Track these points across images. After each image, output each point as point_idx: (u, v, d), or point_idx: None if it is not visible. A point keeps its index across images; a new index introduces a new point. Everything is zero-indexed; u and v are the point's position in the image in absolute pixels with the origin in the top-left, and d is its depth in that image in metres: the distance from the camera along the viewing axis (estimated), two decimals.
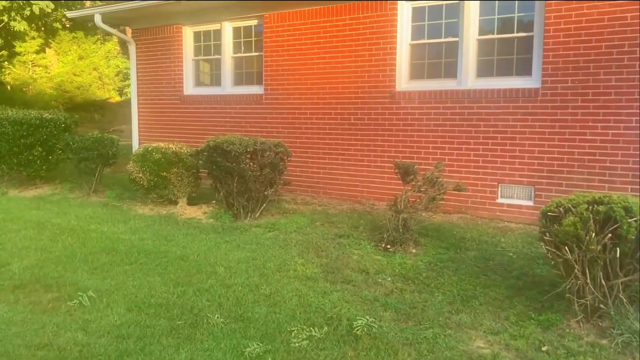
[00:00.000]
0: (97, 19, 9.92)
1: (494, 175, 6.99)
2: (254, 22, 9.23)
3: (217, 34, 9.73)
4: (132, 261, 5.15)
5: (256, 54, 9.27)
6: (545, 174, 6.65)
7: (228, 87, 9.60)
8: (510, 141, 6.85)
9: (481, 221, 6.87)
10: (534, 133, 6.70)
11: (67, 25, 23.22)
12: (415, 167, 5.51)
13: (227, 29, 9.52)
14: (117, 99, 25.33)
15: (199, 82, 10.15)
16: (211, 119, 9.71)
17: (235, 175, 6.32)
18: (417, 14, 7.61)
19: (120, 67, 23.94)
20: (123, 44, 27.49)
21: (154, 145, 7.38)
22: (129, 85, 24.31)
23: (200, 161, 6.66)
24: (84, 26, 23.45)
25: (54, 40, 23.50)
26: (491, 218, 7.01)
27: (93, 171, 7.93)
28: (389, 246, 5.52)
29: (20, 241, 5.74)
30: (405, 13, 7.64)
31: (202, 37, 10.00)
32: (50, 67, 23.25)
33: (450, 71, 7.40)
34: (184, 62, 10.11)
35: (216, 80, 9.87)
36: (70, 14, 10.44)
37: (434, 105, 7.37)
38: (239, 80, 9.58)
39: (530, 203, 6.78)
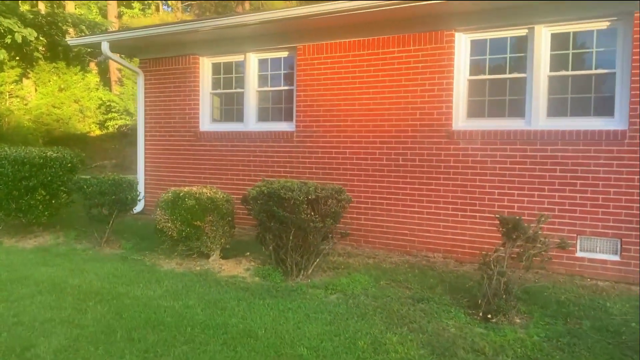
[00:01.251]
0: (105, 47, 8.98)
1: (572, 226, 6.24)
2: (283, 54, 8.43)
3: (240, 65, 8.89)
4: (188, 339, 4.15)
5: (285, 87, 8.44)
6: (634, 225, 5.93)
7: (252, 123, 8.72)
8: (592, 188, 6.13)
9: (562, 278, 6.08)
10: (620, 180, 6.00)
11: (48, 55, 22.11)
12: (522, 220, 4.69)
13: (252, 60, 8.70)
14: (98, 132, 24.10)
15: (216, 118, 9.24)
16: (232, 157, 8.78)
17: (292, 226, 5.38)
18: (477, 47, 6.94)
19: (103, 99, 22.81)
20: (103, 75, 26.41)
21: (185, 189, 6.40)
22: (111, 119, 23.26)
23: (251, 210, 5.70)
24: (66, 56, 22.39)
25: (32, 70, 22.31)
26: (570, 274, 6.23)
27: (106, 218, 6.87)
28: (489, 315, 4.64)
29: (39, 311, 4.66)
30: (463, 45, 6.97)
31: (221, 69, 9.14)
32: (28, 98, 21.97)
33: (516, 110, 6.71)
34: (200, 95, 9.20)
35: (237, 116, 8.98)
36: (73, 42, 9.46)
37: (500, 146, 6.63)
38: (264, 116, 8.72)
39: (617, 258, 6.05)
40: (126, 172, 18.42)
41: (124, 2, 23.60)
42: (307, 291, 5.39)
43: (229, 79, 9.10)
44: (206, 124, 9.24)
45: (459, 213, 6.92)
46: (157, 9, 25.49)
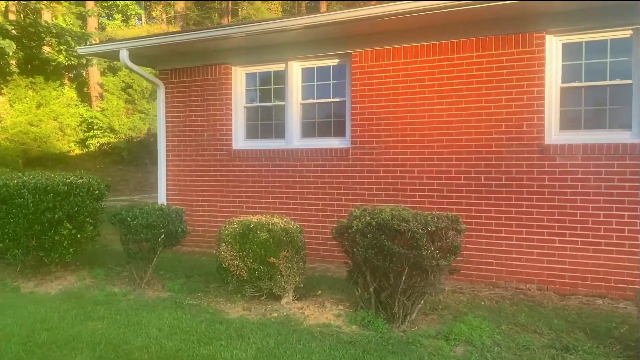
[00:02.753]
0: (124, 56, 7.90)
1: None
2: (332, 62, 7.51)
3: (280, 75, 7.93)
4: None
5: (335, 99, 7.52)
6: None
7: (295, 139, 7.74)
8: None
9: None
10: None
11: (24, 68, 20.63)
12: None
13: (295, 69, 7.74)
14: (77, 151, 22.62)
15: (252, 134, 8.22)
16: (273, 179, 7.77)
17: (406, 264, 4.43)
18: (570, 51, 6.16)
19: (85, 115, 21.40)
20: (80, 90, 24.91)
21: (253, 219, 5.38)
22: (93, 137, 21.83)
23: (351, 245, 4.71)
24: (43, 70, 20.96)
25: (6, 86, 20.77)
26: None
27: (147, 255, 5.78)
28: None
29: None
30: (554, 49, 6.18)
31: (257, 80, 8.15)
32: (4, 115, 20.41)
33: (619, 120, 5.96)
34: (233, 109, 8.18)
35: (277, 132, 7.99)
36: (84, 50, 8.33)
37: (605, 162, 5.85)
38: (309, 131, 7.76)
39: None
40: (132, 195, 17.08)
41: (104, 13, 22.31)
42: (425, 343, 4.44)
43: (266, 90, 8.12)
44: (240, 141, 8.21)
45: (557, 238, 6.09)
46: (140, 20, 24.25)
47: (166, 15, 23.63)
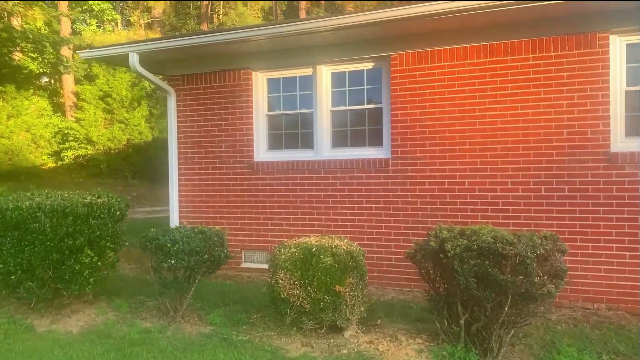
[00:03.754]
0: (134, 60, 7.15)
1: None
2: (367, 65, 6.94)
3: (307, 81, 7.32)
4: None
5: (370, 106, 6.95)
6: None
7: (325, 150, 7.13)
8: None
9: None
10: None
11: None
12: None
13: (324, 74, 7.15)
14: (51, 164, 21.40)
15: (275, 144, 7.57)
16: (302, 192, 7.14)
17: (510, 292, 3.87)
18: (635, 52, 5.75)
19: (60, 126, 20.25)
20: (52, 99, 23.65)
21: (312, 242, 4.74)
22: (68, 149, 20.67)
23: (443, 272, 4.13)
24: (13, 78, 19.76)
25: None
26: None
27: (184, 284, 5.07)
28: None
29: None
30: (618, 51, 5.76)
31: (281, 86, 7.52)
32: None
33: None
34: (254, 118, 7.52)
35: (304, 142, 7.37)
36: (86, 54, 7.52)
37: None
38: (340, 140, 7.16)
39: None
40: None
41: (80, 18, 21.21)
42: None
43: (291, 97, 7.49)
44: (262, 152, 7.54)
45: (627, 253, 5.65)
46: (117, 25, 23.21)
47: (144, 20, 22.66)
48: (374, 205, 6.77)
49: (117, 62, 7.96)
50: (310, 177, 7.12)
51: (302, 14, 28.28)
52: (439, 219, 6.40)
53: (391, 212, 6.68)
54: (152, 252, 4.93)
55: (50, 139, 20.35)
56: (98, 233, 5.36)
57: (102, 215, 5.43)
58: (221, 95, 7.63)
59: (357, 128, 7.08)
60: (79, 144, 20.13)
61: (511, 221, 6.09)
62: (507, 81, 6.10)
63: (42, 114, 20.47)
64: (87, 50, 7.54)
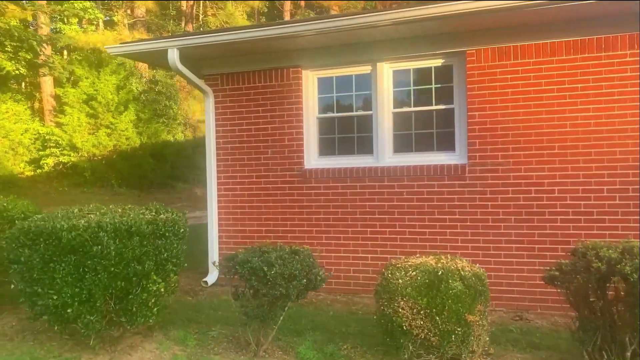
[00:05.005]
0: (173, 56, 6.38)
1: None
2: (435, 62, 6.34)
3: (364, 80, 6.67)
4: None
5: (440, 107, 6.35)
6: None
7: (387, 155, 6.49)
8: None
9: None
10: None
11: None
12: None
13: (386, 73, 6.51)
14: (29, 173, 20.06)
15: (326, 150, 6.88)
16: (362, 203, 6.49)
17: None
18: None
19: (41, 132, 18.98)
20: (27, 102, 22.26)
21: (431, 263, 4.09)
22: (48, 155, 19.42)
23: (602, 299, 3.53)
24: None
25: None
26: None
27: (272, 313, 4.34)
28: None
29: None
30: None
31: (334, 86, 6.84)
32: None
33: None
34: (304, 121, 6.82)
35: (361, 147, 6.71)
36: (116, 50, 6.68)
37: None
38: (404, 145, 6.54)
39: None
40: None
41: (58, 18, 20.01)
42: None
43: (346, 98, 6.82)
44: (313, 158, 6.85)
45: None
46: (98, 25, 22.02)
47: (127, 20, 21.58)
48: (447, 217, 6.16)
49: (151, 59, 7.15)
50: (371, 185, 6.46)
51: (287, 16, 27.60)
52: (524, 231, 5.85)
53: (468, 223, 6.08)
54: (245, 279, 4.17)
55: (29, 145, 19.05)
56: (165, 255, 4.57)
57: (167, 234, 4.65)
58: (267, 96, 6.90)
59: (423, 131, 6.47)
60: (60, 151, 18.90)
61: (607, 232, 5.57)
62: (602, 79, 5.59)
63: (21, 119, 19.14)
64: (118, 45, 6.72)
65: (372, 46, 6.42)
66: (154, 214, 4.78)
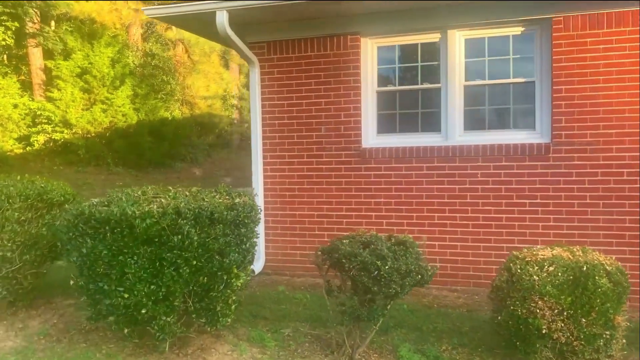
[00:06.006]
0: (222, 20, 5.68)
1: None
2: (514, 30, 5.75)
3: (432, 49, 6.05)
4: None
5: (518, 80, 5.78)
6: None
7: (457, 133, 5.91)
8: None
9: None
10: None
11: None
12: None
13: (457, 41, 5.90)
14: (18, 150, 19.01)
15: (386, 127, 6.28)
16: (428, 185, 5.94)
17: None
18: None
19: (32, 107, 17.93)
20: (13, 75, 21.01)
21: (564, 256, 3.55)
22: (39, 132, 18.37)
23: None
24: None
25: None
26: None
27: (374, 313, 3.77)
28: None
29: None
30: None
31: (397, 55, 6.21)
32: None
33: None
34: (362, 94, 6.18)
35: (426, 124, 6.13)
36: (155, 11, 5.94)
37: None
38: (476, 122, 5.96)
39: None
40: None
41: None
42: None
43: (409, 69, 6.21)
44: (372, 137, 6.24)
45: None
46: None
47: None
48: (527, 201, 5.63)
49: (192, 23, 6.38)
50: (440, 167, 5.89)
51: None
52: (614, 217, 5.35)
53: (550, 208, 5.56)
54: (349, 274, 3.57)
55: (19, 121, 17.99)
56: (247, 245, 3.96)
57: (246, 221, 4.01)
58: (321, 67, 6.24)
59: (498, 107, 5.90)
60: (52, 127, 17.88)
61: None
62: None
63: (8, 93, 18.03)
64: (157, 6, 5.96)
65: (443, 11, 5.79)
66: (227, 197, 4.13)
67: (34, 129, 18.19)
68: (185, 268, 3.57)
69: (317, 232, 6.34)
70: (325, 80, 6.24)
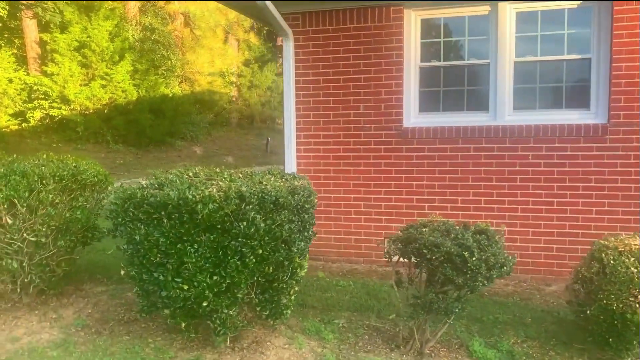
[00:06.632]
0: None
1: None
2: (570, 4, 5.41)
3: (480, 23, 5.70)
4: None
5: (573, 56, 5.46)
6: None
7: (505, 112, 5.60)
8: None
9: None
10: None
11: None
12: None
13: (508, 14, 5.55)
14: (13, 127, 18.42)
15: (428, 106, 5.94)
16: (475, 168, 5.64)
17: None
18: None
19: (28, 82, 17.31)
20: (9, 44, 20.26)
21: None
22: (36, 108, 17.79)
23: None
24: None
25: None
26: None
27: (450, 306, 3.48)
28: None
29: None
30: None
31: (442, 29, 5.85)
32: None
33: None
34: (404, 70, 5.82)
35: (473, 102, 5.80)
36: None
37: None
38: (525, 101, 5.65)
39: None
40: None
41: None
42: None
43: (455, 44, 5.85)
44: (414, 115, 5.91)
45: None
46: None
47: None
48: (580, 184, 5.36)
49: None
50: (489, 148, 5.58)
51: None
52: None
53: (605, 192, 5.30)
54: (430, 266, 3.27)
55: (15, 96, 17.38)
56: (309, 232, 3.65)
57: (306, 206, 3.70)
58: (360, 40, 5.87)
59: (550, 85, 5.58)
60: (50, 103, 17.32)
61: None
62: None
63: (2, 68, 17.39)
64: None
65: None
66: (282, 180, 3.80)
67: (30, 105, 17.61)
68: (251, 257, 3.25)
69: (353, 216, 6.04)
70: (365, 54, 5.87)
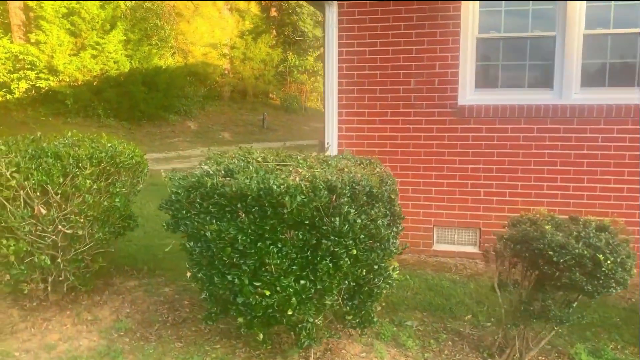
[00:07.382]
0: None
1: None
2: None
3: None
4: None
5: None
6: None
7: (572, 90, 5.12)
8: None
9: None
10: None
11: None
12: None
13: None
14: None
15: (485, 82, 5.43)
16: (537, 150, 5.18)
17: None
18: None
19: (14, 51, 16.34)
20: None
21: None
22: (21, 78, 16.82)
23: None
24: None
25: None
26: None
27: (557, 312, 3.04)
28: None
29: None
30: None
31: None
32: None
33: None
34: (461, 43, 5.28)
35: (534, 78, 5.30)
36: None
37: None
38: (593, 78, 5.16)
39: None
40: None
41: None
42: None
43: (517, 14, 5.32)
44: (470, 92, 5.39)
45: None
46: None
47: None
48: None
49: None
50: (554, 129, 5.11)
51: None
52: None
53: None
54: (556, 270, 2.80)
55: None
56: (399, 227, 3.15)
57: (392, 196, 3.25)
58: (412, 7, 5.31)
59: (621, 61, 5.09)
60: (36, 74, 16.40)
61: None
62: None
63: None
64: None
65: None
66: (360, 165, 3.28)
67: (14, 75, 16.66)
68: (345, 259, 2.74)
69: (400, 202, 5.52)
70: (418, 23, 5.31)
